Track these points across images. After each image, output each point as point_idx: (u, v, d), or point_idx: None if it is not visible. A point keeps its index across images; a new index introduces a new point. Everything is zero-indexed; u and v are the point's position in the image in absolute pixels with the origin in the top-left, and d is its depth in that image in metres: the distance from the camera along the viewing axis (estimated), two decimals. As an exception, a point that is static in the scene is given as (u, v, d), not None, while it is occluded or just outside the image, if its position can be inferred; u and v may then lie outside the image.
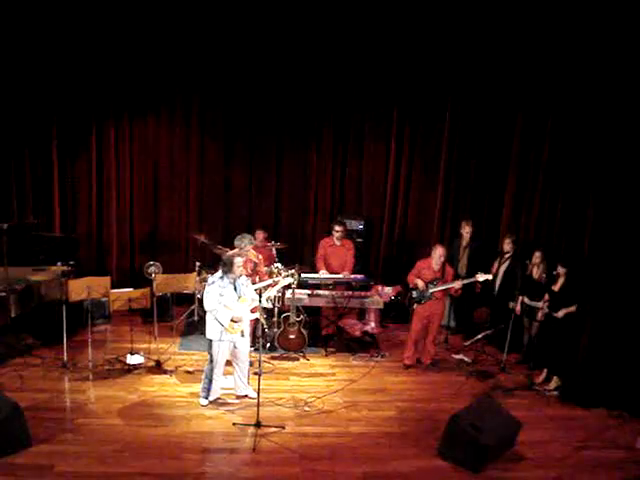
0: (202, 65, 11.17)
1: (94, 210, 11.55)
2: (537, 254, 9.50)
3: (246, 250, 8.85)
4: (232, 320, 7.67)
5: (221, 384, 8.18)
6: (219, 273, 7.82)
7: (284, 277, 9.00)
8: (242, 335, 7.84)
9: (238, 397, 8.14)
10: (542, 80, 10.47)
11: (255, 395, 7.77)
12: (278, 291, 9.20)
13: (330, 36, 10.97)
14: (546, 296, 8.98)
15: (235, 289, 7.80)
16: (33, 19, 10.27)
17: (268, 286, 8.84)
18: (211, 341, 7.80)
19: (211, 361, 7.84)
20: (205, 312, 7.91)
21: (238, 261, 7.79)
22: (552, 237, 10.36)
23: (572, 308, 8.60)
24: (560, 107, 10.18)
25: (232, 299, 7.73)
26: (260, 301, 7.67)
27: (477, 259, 10.42)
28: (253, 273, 9.09)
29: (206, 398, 7.94)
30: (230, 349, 7.89)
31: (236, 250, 8.83)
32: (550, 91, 10.34)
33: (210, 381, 7.89)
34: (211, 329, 7.78)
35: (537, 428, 7.74)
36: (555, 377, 8.86)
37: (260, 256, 9.34)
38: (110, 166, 11.46)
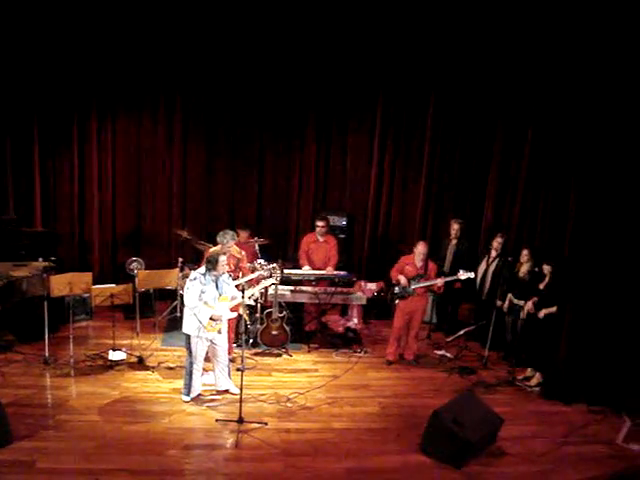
0: (184, 61, 11.10)
1: (76, 206, 11.46)
2: (525, 252, 9.49)
3: (228, 246, 8.84)
4: (211, 318, 7.61)
5: (203, 380, 8.16)
6: (202, 269, 7.78)
7: (267, 277, 8.98)
8: (219, 332, 7.80)
9: (219, 392, 8.12)
10: (524, 79, 10.53)
11: (237, 391, 7.76)
12: (261, 289, 9.16)
13: (313, 32, 10.97)
14: (534, 298, 9.00)
15: (217, 287, 7.75)
16: (15, 16, 10.16)
17: (251, 281, 8.83)
18: (188, 336, 7.77)
19: (190, 355, 7.81)
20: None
21: (222, 259, 7.75)
22: (535, 235, 10.41)
23: (553, 309, 8.64)
24: (542, 105, 10.25)
25: (213, 297, 7.69)
26: (243, 298, 7.66)
27: (462, 258, 10.42)
28: (236, 269, 9.08)
29: (188, 395, 7.90)
30: (208, 345, 7.86)
31: (219, 247, 8.81)
32: (532, 90, 10.42)
33: (190, 376, 7.85)
34: (188, 324, 7.74)
35: (519, 424, 7.78)
36: (537, 373, 8.91)
37: (243, 252, 9.33)
38: (92, 162, 11.37)
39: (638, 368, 8.05)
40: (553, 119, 9.94)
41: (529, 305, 9.04)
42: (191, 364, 7.82)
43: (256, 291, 8.75)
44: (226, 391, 8.10)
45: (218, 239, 8.87)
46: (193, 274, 7.79)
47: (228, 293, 7.87)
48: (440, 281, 9.37)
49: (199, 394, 8.01)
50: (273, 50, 11.08)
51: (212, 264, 7.68)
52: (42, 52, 10.60)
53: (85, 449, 6.70)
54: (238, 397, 7.47)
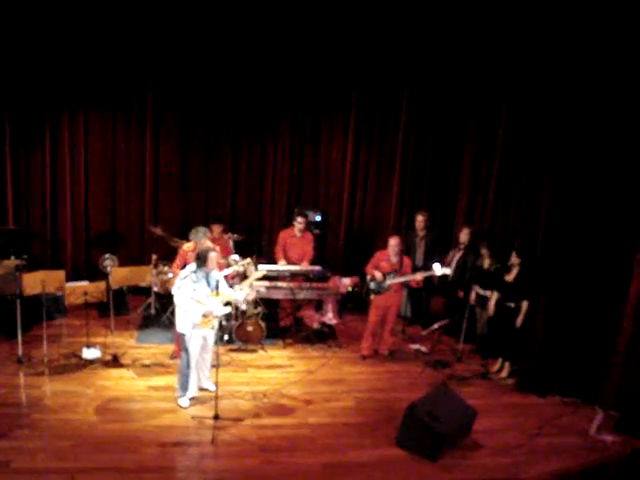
0: (156, 57, 11.03)
1: (48, 204, 11.37)
2: (483, 245, 9.61)
3: (201, 243, 8.83)
4: (204, 315, 7.54)
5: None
6: (192, 267, 7.69)
7: (245, 264, 8.89)
8: (212, 328, 7.74)
9: (199, 391, 8.05)
10: (496, 71, 10.59)
11: (214, 388, 7.73)
12: (252, 289, 9.07)
13: (285, 29, 10.94)
14: (495, 296, 9.10)
15: (208, 283, 7.69)
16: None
17: (226, 277, 8.79)
18: (184, 335, 7.69)
19: (187, 356, 7.71)
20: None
21: (212, 255, 7.63)
22: (507, 227, 10.49)
23: (524, 308, 8.71)
24: (514, 101, 10.29)
25: (205, 294, 7.60)
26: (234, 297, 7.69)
27: (433, 250, 10.50)
28: None
29: (185, 396, 7.78)
30: (201, 342, 7.80)
31: (192, 244, 8.79)
32: (504, 81, 10.45)
33: (187, 376, 7.73)
34: (182, 323, 7.66)
35: (493, 416, 7.88)
36: (507, 363, 8.99)
37: (217, 248, 9.30)
38: (64, 160, 11.28)
39: (610, 360, 8.16)
40: (526, 114, 9.99)
41: (491, 307, 9.14)
42: (187, 365, 7.72)
43: (246, 288, 8.55)
44: (205, 389, 8.05)
45: (190, 237, 8.86)
46: (183, 272, 7.70)
47: (220, 289, 7.79)
48: (419, 276, 9.42)
49: (194, 396, 7.89)
50: (246, 46, 11.03)
51: (202, 261, 7.59)
52: (12, 50, 10.49)
53: (60, 448, 6.68)
54: (214, 394, 7.46)
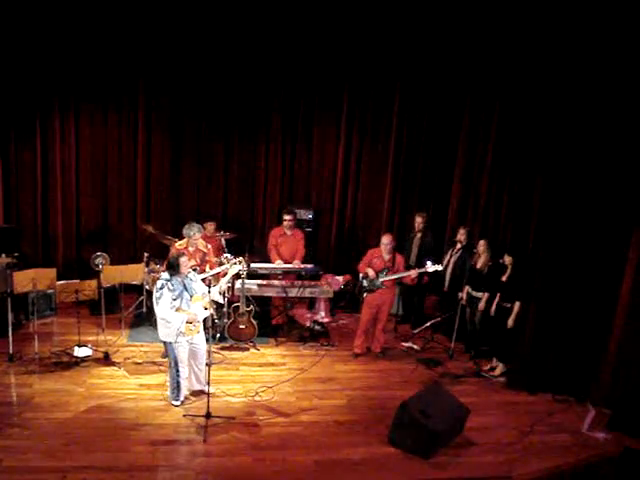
0: (147, 54, 10.99)
1: (39, 201, 11.32)
2: (481, 242, 9.59)
3: (195, 239, 8.81)
4: (188, 322, 7.44)
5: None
6: (166, 275, 7.52)
7: (232, 265, 8.71)
8: (197, 332, 7.63)
9: (193, 393, 7.96)
10: (489, 67, 10.58)
11: (210, 390, 7.73)
12: (228, 282, 8.96)
13: (277, 27, 10.93)
14: (486, 295, 9.13)
15: (186, 288, 7.53)
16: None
17: (217, 275, 8.78)
18: (167, 343, 7.57)
19: (175, 364, 7.57)
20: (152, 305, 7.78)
21: (183, 260, 7.49)
22: (499, 226, 10.49)
23: (516, 309, 8.72)
24: (508, 93, 10.26)
25: (185, 300, 7.49)
26: (210, 293, 7.51)
27: (428, 251, 10.48)
28: (202, 263, 9.05)
29: (177, 399, 7.67)
30: (188, 347, 7.66)
31: (185, 240, 8.77)
32: (497, 77, 10.42)
33: (178, 382, 7.61)
34: (164, 332, 7.51)
35: (485, 414, 7.88)
36: (500, 364, 9.01)
37: (209, 246, 9.30)
38: (55, 157, 11.23)
39: (602, 358, 8.18)
40: (519, 114, 9.97)
41: (481, 305, 9.18)
42: (177, 371, 7.59)
43: (222, 284, 8.38)
44: (200, 392, 7.87)
45: (184, 232, 8.85)
46: (159, 282, 7.52)
47: (198, 291, 7.67)
48: (414, 272, 9.43)
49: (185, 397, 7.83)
50: (238, 44, 11.01)
51: (174, 268, 7.45)
52: (2, 46, 10.43)
53: (52, 447, 6.65)
54: (205, 392, 7.44)
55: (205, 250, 9.11)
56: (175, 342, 7.50)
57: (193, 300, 7.55)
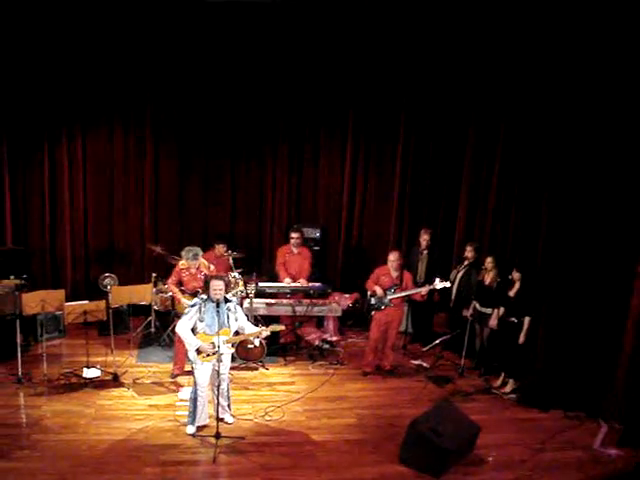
0: (155, 78, 11.09)
1: (47, 223, 11.35)
2: (489, 259, 9.57)
3: (194, 264, 8.79)
4: (197, 350, 7.25)
5: (179, 395, 8.12)
6: (204, 296, 7.36)
7: (265, 329, 7.96)
8: (220, 361, 7.23)
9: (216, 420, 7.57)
10: (493, 85, 10.61)
11: (232, 420, 7.71)
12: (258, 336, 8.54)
13: (283, 49, 11.02)
14: (496, 312, 9.11)
15: (218, 315, 7.24)
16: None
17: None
18: (193, 363, 7.42)
19: (194, 384, 7.47)
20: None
21: (214, 284, 7.23)
22: (507, 242, 10.47)
23: (526, 324, 8.67)
24: (513, 118, 10.29)
25: (211, 326, 7.26)
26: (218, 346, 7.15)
27: (435, 267, 10.46)
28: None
29: (192, 423, 7.51)
30: (210, 372, 7.42)
31: (181, 267, 8.80)
32: (502, 95, 10.46)
33: (195, 405, 7.46)
34: (190, 351, 7.37)
35: (496, 431, 7.82)
36: (511, 380, 8.95)
37: (212, 266, 9.25)
38: (63, 179, 11.27)
39: (613, 374, 8.12)
40: (524, 131, 9.99)
41: (493, 323, 9.15)
42: (194, 392, 7.47)
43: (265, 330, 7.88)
44: (221, 419, 7.53)
45: (182, 254, 8.85)
46: (194, 300, 7.46)
47: (232, 326, 7.39)
48: (424, 290, 9.42)
49: (204, 425, 7.64)
50: (245, 64, 11.08)
51: (206, 287, 7.34)
52: (10, 70, 10.53)
53: (61, 469, 6.62)
54: (215, 413, 7.36)
55: (207, 272, 9.04)
56: (194, 363, 7.40)
57: (221, 333, 7.22)
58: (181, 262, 9.04)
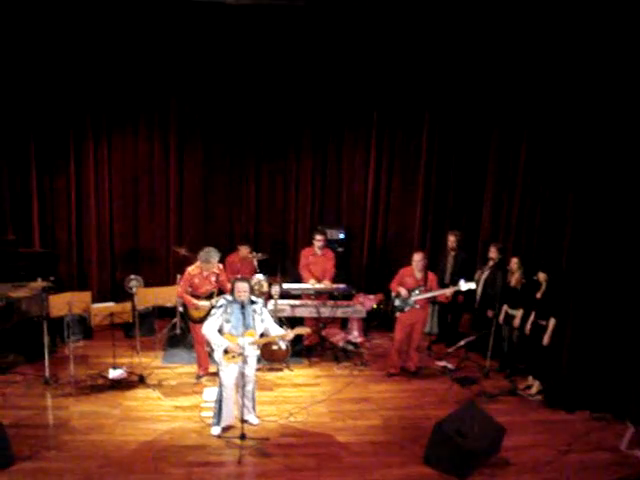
0: (178, 76, 11.16)
1: (73, 225, 11.46)
2: (514, 260, 9.54)
3: (208, 267, 8.76)
4: (225, 351, 7.27)
5: (203, 396, 8.14)
6: (230, 297, 7.42)
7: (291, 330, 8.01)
8: (245, 362, 7.33)
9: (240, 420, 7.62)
10: (517, 87, 10.56)
11: (257, 422, 7.73)
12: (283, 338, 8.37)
13: (309, 49, 11.05)
14: (520, 313, 9.07)
15: (243, 316, 7.32)
16: (8, 36, 10.21)
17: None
18: (219, 364, 7.44)
19: (219, 385, 7.52)
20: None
21: (238, 286, 7.30)
22: (532, 243, 10.41)
23: (551, 326, 8.62)
24: (537, 117, 10.23)
25: (236, 327, 7.33)
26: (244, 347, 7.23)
27: (463, 269, 10.42)
28: (216, 284, 9.02)
29: (218, 424, 7.54)
30: (236, 373, 7.44)
31: (192, 273, 8.81)
32: (526, 98, 10.41)
33: (220, 406, 7.51)
34: (217, 352, 7.40)
35: (522, 433, 7.77)
36: (537, 382, 8.90)
37: (221, 266, 9.23)
38: (89, 180, 11.38)
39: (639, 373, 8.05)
40: (549, 130, 9.92)
41: (516, 321, 9.13)
42: (219, 393, 7.51)
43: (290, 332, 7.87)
44: (246, 421, 7.52)
45: (201, 256, 8.81)
46: (221, 300, 7.48)
47: (257, 328, 7.40)
48: (449, 291, 9.43)
49: (230, 425, 7.66)
50: (270, 66, 11.12)
51: (232, 288, 7.38)
52: (37, 72, 10.65)
53: (87, 469, 6.68)
54: (239, 415, 7.39)
55: (217, 271, 9.02)
56: (220, 364, 7.41)
57: (246, 334, 7.30)
58: (190, 268, 9.02)
